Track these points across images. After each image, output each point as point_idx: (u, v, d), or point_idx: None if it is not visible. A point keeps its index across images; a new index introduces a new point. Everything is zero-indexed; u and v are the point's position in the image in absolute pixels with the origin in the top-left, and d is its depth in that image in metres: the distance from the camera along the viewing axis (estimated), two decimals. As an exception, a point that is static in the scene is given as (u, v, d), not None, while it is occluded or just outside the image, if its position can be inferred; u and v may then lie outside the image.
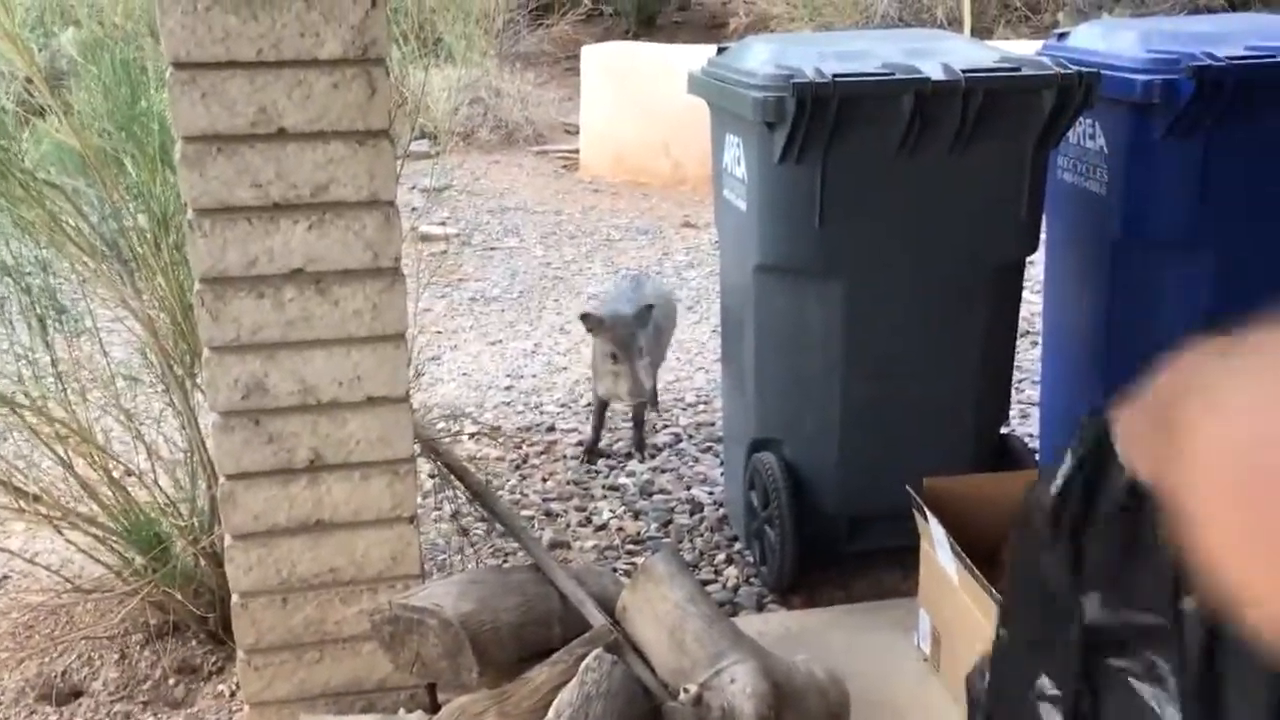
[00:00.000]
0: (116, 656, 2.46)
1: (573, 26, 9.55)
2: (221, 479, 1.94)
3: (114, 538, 2.40)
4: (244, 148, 1.78)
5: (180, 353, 2.43)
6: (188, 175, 1.77)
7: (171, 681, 2.41)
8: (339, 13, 1.75)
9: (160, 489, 2.47)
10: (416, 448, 2.29)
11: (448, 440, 3.70)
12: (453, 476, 2.33)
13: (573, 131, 7.90)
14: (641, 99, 6.75)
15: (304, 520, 1.98)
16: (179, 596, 2.37)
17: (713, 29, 10.79)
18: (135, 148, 2.50)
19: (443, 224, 6.30)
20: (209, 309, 1.84)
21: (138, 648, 2.47)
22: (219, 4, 1.71)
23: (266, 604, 2.01)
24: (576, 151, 7.52)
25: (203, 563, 2.42)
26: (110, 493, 2.44)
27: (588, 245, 5.98)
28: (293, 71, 1.76)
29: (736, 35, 9.14)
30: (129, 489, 2.45)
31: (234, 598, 2.01)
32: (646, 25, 11.55)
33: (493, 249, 5.99)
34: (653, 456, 3.56)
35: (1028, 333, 4.20)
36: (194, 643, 2.47)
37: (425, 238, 6.12)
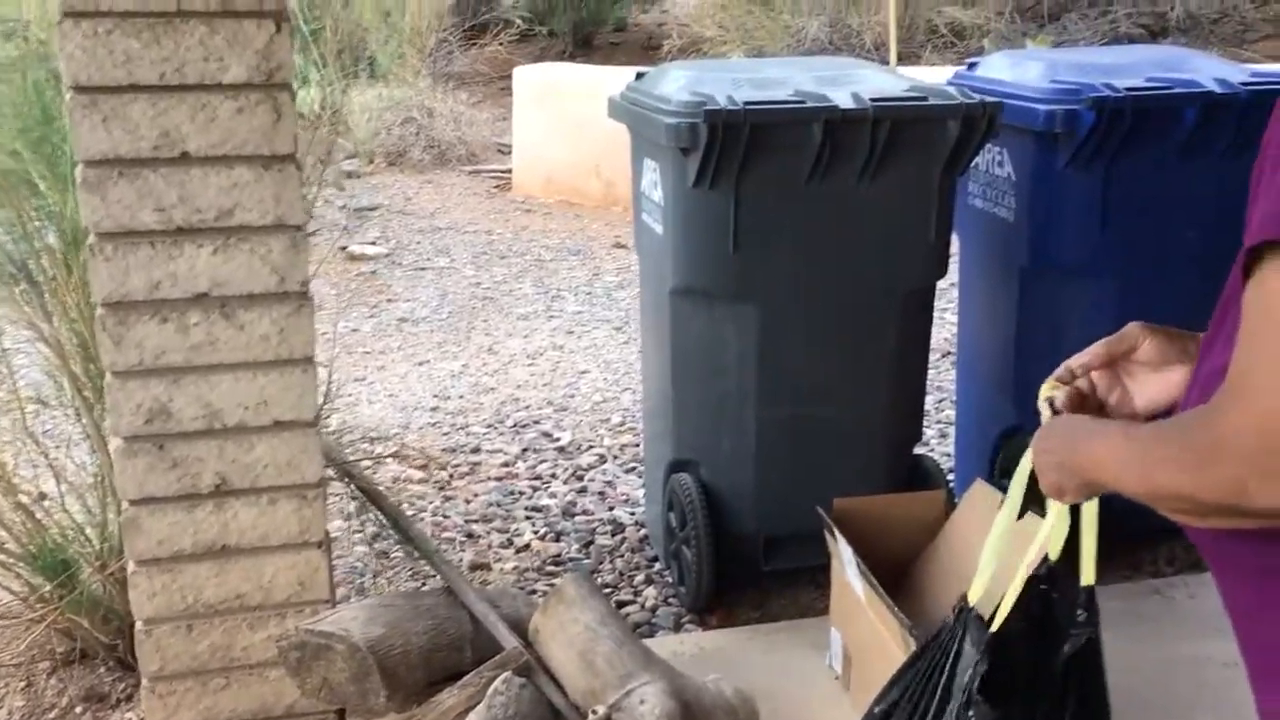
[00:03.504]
0: (23, 684, 2.42)
1: (507, 46, 9.56)
2: (124, 504, 1.92)
3: (20, 564, 2.37)
4: (147, 171, 1.77)
5: (91, 375, 2.40)
6: (89, 199, 1.76)
7: (79, 710, 2.37)
8: (243, 38, 1.76)
9: (68, 514, 2.43)
10: (330, 471, 2.29)
11: (369, 463, 3.69)
12: (366, 500, 2.32)
13: (506, 151, 7.91)
14: (572, 120, 6.78)
15: (210, 545, 1.97)
16: (86, 624, 2.34)
17: (649, 50, 10.88)
18: (47, 168, 2.48)
19: (373, 244, 6.27)
20: (111, 333, 1.82)
21: (44, 675, 2.44)
22: (120, 28, 1.70)
23: (171, 631, 1.99)
24: (509, 171, 7.52)
25: (111, 589, 2.39)
26: (17, 518, 2.40)
27: (519, 265, 5.99)
28: (196, 96, 1.76)
29: (670, 57, 9.22)
30: (36, 514, 2.42)
31: (138, 625, 1.99)
32: (583, 45, 11.61)
33: (423, 269, 5.98)
34: (578, 478, 3.57)
35: (949, 353, 4.28)
36: (102, 670, 2.44)
37: (355, 257, 6.09)
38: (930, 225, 2.58)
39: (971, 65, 3.07)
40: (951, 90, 2.53)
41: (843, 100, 2.44)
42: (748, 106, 2.38)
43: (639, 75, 2.85)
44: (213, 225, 1.82)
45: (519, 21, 9.14)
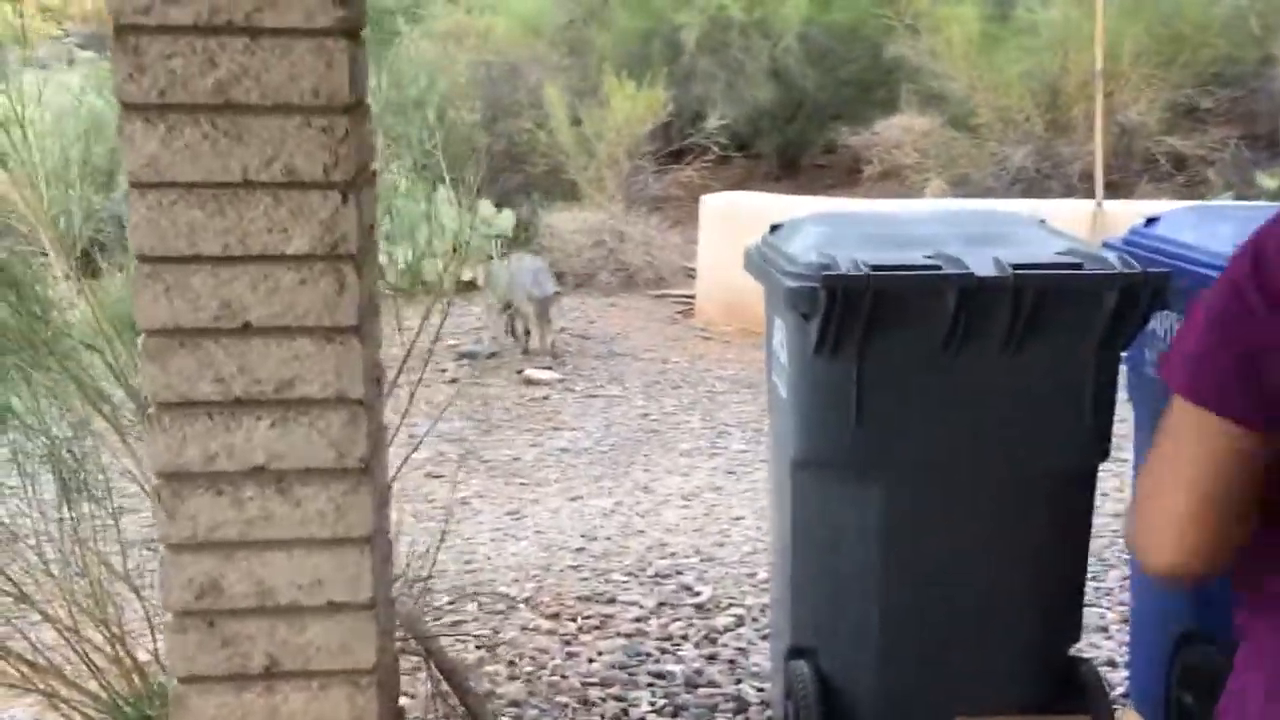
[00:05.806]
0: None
1: (708, 169, 9.57)
2: (173, 682, 1.85)
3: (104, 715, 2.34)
4: (207, 342, 1.73)
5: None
6: (149, 369, 1.73)
7: None
8: (308, 209, 1.71)
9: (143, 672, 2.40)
10: (411, 642, 2.17)
11: (502, 608, 3.59)
12: (445, 681, 2.19)
13: (693, 275, 7.86)
14: (756, 248, 6.68)
15: (257, 729, 1.87)
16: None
17: (854, 173, 10.72)
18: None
19: (548, 368, 6.28)
20: (165, 506, 1.77)
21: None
22: (185, 199, 1.68)
23: (215, 816, 1.89)
24: (694, 296, 7.47)
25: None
26: (113, 669, 2.39)
27: (690, 397, 5.87)
28: (259, 266, 1.71)
29: (869, 184, 9.06)
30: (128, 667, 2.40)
31: (182, 807, 1.90)
32: (789, 168, 11.54)
33: (594, 396, 5.93)
34: (711, 641, 3.36)
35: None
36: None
37: (529, 381, 6.12)
38: (1085, 404, 2.29)
39: (1150, 221, 2.77)
40: (1110, 257, 2.26)
41: (982, 266, 2.21)
42: (872, 272, 2.19)
43: (773, 228, 2.69)
44: (272, 397, 1.76)
45: (714, 148, 9.14)
